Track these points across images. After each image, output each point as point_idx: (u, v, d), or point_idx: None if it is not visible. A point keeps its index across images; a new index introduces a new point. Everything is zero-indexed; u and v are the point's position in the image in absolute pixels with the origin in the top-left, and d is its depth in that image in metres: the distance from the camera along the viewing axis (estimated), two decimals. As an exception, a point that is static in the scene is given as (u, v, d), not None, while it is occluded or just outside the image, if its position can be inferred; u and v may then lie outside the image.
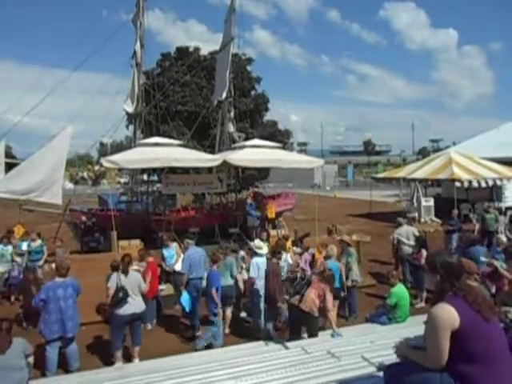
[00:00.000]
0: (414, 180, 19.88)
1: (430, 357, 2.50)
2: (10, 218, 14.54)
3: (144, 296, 6.95)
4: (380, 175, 27.02)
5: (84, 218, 13.92)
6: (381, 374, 3.08)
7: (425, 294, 8.75)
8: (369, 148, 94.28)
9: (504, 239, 8.68)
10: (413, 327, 5.46)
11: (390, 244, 11.09)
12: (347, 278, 8.02)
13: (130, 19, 18.19)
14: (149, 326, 8.06)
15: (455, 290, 2.52)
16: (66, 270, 6.38)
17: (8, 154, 20.25)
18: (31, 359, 5.28)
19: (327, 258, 7.79)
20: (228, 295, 7.84)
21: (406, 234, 9.71)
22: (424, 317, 5.53)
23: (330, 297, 6.04)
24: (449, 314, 2.42)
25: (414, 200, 19.16)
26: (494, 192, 19.72)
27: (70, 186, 34.29)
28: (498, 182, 18.28)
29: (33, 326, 7.22)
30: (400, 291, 6.75)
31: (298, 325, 6.17)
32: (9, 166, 15.42)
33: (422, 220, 16.93)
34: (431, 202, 18.41)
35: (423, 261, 8.50)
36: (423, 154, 66.90)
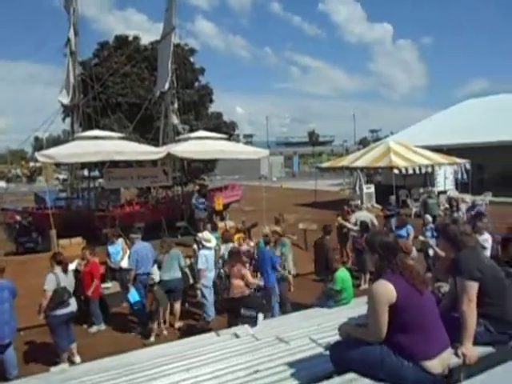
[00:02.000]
0: (355, 168, 20.74)
1: (371, 330, 2.66)
2: None
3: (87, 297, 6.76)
4: (324, 165, 27.91)
5: (18, 218, 13.08)
6: (328, 353, 3.20)
7: (368, 276, 9.19)
8: (313, 139, 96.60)
9: (430, 219, 9.46)
10: (357, 308, 5.71)
11: (335, 230, 11.48)
12: (284, 268, 8.11)
13: (62, 5, 17.14)
14: (94, 329, 7.73)
15: (392, 267, 2.68)
16: (1, 272, 5.97)
17: None
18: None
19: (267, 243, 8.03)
20: (176, 289, 7.75)
21: (364, 219, 10.09)
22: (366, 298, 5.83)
23: (246, 272, 6.78)
24: (386, 289, 2.58)
25: (357, 188, 20.02)
26: (427, 178, 21.08)
27: (1, 184, 31.99)
28: (430, 169, 19.56)
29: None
30: (343, 275, 7.01)
31: (235, 312, 6.61)
32: None
33: (364, 206, 17.71)
34: (372, 189, 19.34)
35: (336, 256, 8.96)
36: (364, 143, 69.68)
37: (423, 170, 18.94)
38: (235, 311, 6.54)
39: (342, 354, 2.80)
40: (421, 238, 8.43)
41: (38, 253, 11.23)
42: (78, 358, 6.43)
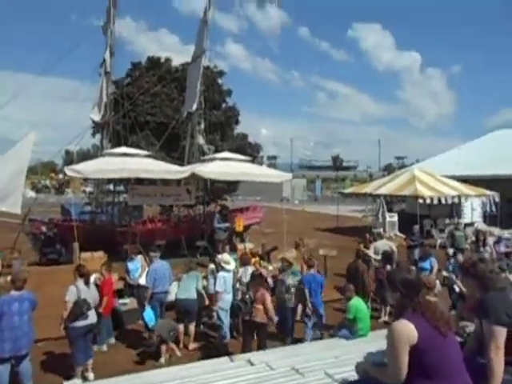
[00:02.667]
0: (379, 196, 20.45)
1: (390, 372, 2.55)
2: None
3: (99, 314, 6.77)
4: (347, 190, 27.66)
5: (44, 229, 13.40)
6: (343, 390, 3.09)
7: (388, 308, 8.92)
8: (337, 163, 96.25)
9: (451, 252, 9.22)
10: (376, 342, 5.52)
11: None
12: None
13: (100, 26, 17.94)
14: (104, 347, 7.56)
15: (414, 306, 2.59)
16: (23, 283, 6.08)
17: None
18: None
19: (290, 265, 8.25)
20: (191, 310, 7.71)
21: (383, 248, 9.89)
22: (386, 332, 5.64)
23: (267, 298, 6.65)
24: (407, 330, 2.48)
25: (380, 215, 19.70)
26: (453, 209, 20.55)
27: (31, 194, 33.05)
28: (457, 200, 19.08)
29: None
30: (357, 304, 6.85)
31: (251, 336, 6.82)
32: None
33: (387, 235, 17.38)
34: (395, 218, 18.98)
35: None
36: (389, 170, 68.96)
37: (449, 201, 18.50)
38: (249, 337, 6.63)
39: (359, 395, 2.70)
40: (444, 273, 8.16)
41: (61, 264, 11.43)
42: (91, 375, 6.41)
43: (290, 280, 7.66)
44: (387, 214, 19.02)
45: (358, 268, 8.33)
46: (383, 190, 20.06)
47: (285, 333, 7.62)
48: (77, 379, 6.16)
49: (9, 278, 8.46)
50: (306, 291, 7.74)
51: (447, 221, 19.47)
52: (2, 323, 5.67)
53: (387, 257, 9.17)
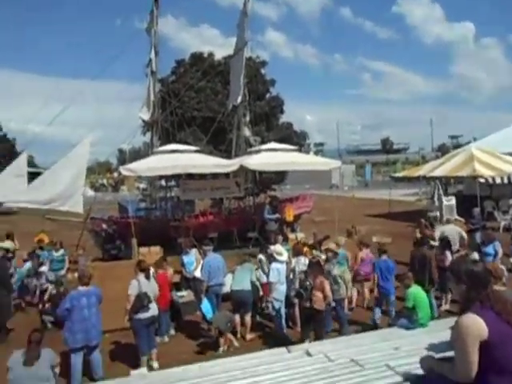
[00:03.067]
0: (434, 178, 19.52)
1: (459, 369, 2.43)
2: (33, 226, 14.90)
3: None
4: (399, 174, 26.70)
5: (105, 226, 14.13)
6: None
7: (450, 296, 8.56)
8: (387, 146, 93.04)
9: None
10: (437, 332, 5.33)
11: (411, 244, 10.87)
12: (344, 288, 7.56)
13: (144, 28, 18.43)
14: (166, 339, 7.91)
15: (482, 300, 2.44)
16: (89, 279, 6.50)
17: (30, 163, 20.78)
18: (57, 369, 5.39)
19: (337, 246, 8.70)
20: (246, 301, 7.83)
21: (451, 233, 9.46)
22: (449, 320, 5.41)
23: (327, 285, 6.70)
24: (476, 325, 2.35)
25: (435, 198, 18.80)
26: (518, 188, 19.18)
27: (90, 193, 34.95)
28: (523, 178, 17.79)
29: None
30: (416, 292, 6.62)
31: (310, 324, 6.83)
32: (31, 176, 15.80)
33: (444, 219, 16.56)
34: (453, 201, 18.00)
35: (447, 263, 8.32)
36: (443, 150, 65.51)
37: (513, 180, 17.28)
38: (314, 323, 6.71)
39: (425, 391, 2.60)
40: None
41: (121, 259, 12.00)
42: (156, 364, 6.73)
43: (336, 270, 7.53)
44: (444, 197, 18.10)
45: (424, 255, 7.89)
46: (438, 172, 19.09)
47: (339, 324, 7.54)
48: (143, 368, 6.48)
49: (76, 274, 9.08)
50: (376, 276, 7.92)
51: (511, 201, 18.20)
52: (72, 316, 6.11)
53: (445, 243, 8.78)
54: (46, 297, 9.31)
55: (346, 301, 7.97)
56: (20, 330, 7.88)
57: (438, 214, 16.91)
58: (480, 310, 2.40)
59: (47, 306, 9.02)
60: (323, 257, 9.35)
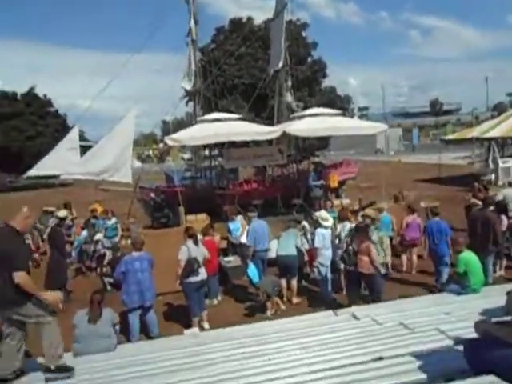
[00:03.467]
0: (489, 139, 18.38)
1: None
2: (87, 196, 15.74)
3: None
4: (449, 136, 25.36)
5: (153, 195, 14.62)
6: (460, 347, 2.95)
7: (505, 262, 8.21)
8: (436, 108, 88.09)
9: None
10: (490, 298, 5.17)
11: (462, 209, 10.43)
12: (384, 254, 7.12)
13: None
14: (215, 301, 8.24)
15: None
16: (141, 245, 6.83)
17: (81, 137, 21.68)
18: (118, 327, 5.80)
19: (379, 211, 8.78)
20: (292, 265, 7.93)
21: None
22: (504, 286, 5.21)
23: (373, 249, 6.62)
24: None
25: (490, 161, 17.77)
26: None
27: (137, 164, 36.15)
28: None
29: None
30: (468, 257, 6.38)
31: (357, 288, 6.95)
32: (83, 149, 16.53)
33: (500, 183, 15.67)
34: (510, 163, 16.94)
35: (503, 227, 7.92)
36: (499, 109, 60.91)
37: None
38: (355, 288, 6.78)
39: (480, 354, 2.54)
40: None
41: (170, 227, 12.45)
42: (206, 324, 7.06)
43: (375, 236, 7.22)
44: (500, 160, 17.05)
45: (489, 218, 7.46)
46: (494, 133, 17.94)
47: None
48: (195, 328, 6.82)
49: (129, 240, 9.56)
50: (428, 240, 7.86)
51: None
52: (128, 279, 6.50)
53: (502, 207, 8.33)
54: (105, 261, 9.92)
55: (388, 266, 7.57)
56: (81, 291, 8.48)
57: (492, 177, 16.03)
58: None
59: (105, 269, 9.63)
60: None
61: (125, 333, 6.53)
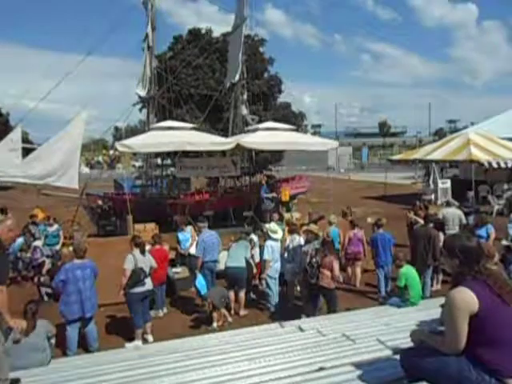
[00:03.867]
0: (430, 161, 19.54)
1: (448, 341, 2.48)
2: (29, 202, 14.86)
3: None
4: (396, 157, 26.65)
5: (100, 202, 14.12)
6: (397, 357, 3.07)
7: (441, 277, 8.69)
8: (384, 129, 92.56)
9: None
10: (428, 310, 5.43)
11: (405, 226, 10.96)
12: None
13: (141, 1, 17.97)
14: (160, 313, 8.01)
15: (474, 274, 2.47)
16: (84, 252, 6.52)
17: (25, 139, 20.52)
18: (53, 340, 5.46)
19: (330, 224, 9.15)
20: (241, 277, 7.91)
21: (452, 216, 9.57)
22: (440, 299, 5.49)
23: (336, 265, 6.82)
24: (468, 298, 2.39)
25: (431, 182, 18.89)
26: (513, 173, 19.25)
27: (86, 170, 34.80)
28: (518, 163, 17.81)
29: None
30: (408, 272, 6.72)
31: (315, 300, 6.99)
32: (26, 152, 15.63)
33: (439, 202, 16.67)
34: (448, 184, 18.11)
35: (440, 244, 8.40)
36: (440, 135, 65.28)
37: (509, 165, 17.31)
38: (315, 301, 6.92)
39: (415, 362, 2.65)
40: (504, 242, 7.73)
41: (117, 236, 12.02)
42: (150, 337, 6.84)
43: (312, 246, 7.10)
44: (439, 181, 18.17)
45: (430, 234, 7.97)
46: (435, 156, 19.11)
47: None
48: (137, 341, 6.58)
49: (71, 248, 9.11)
50: (373, 251, 8.34)
51: (506, 186, 18.30)
52: (67, 288, 6.16)
53: (440, 224, 8.84)
54: (43, 270, 9.36)
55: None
56: (15, 302, 7.89)
57: (432, 196, 17.02)
58: (472, 284, 2.43)
59: (43, 279, 9.09)
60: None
61: (61, 346, 6.17)
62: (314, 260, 6.83)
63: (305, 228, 8.50)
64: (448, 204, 10.74)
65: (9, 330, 3.81)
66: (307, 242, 7.46)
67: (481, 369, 2.37)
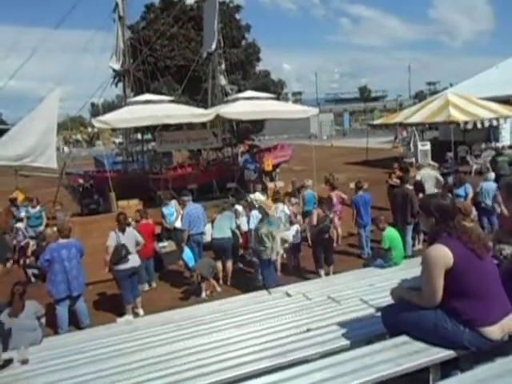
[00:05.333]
0: (410, 124, 19.70)
1: (425, 295, 2.60)
2: (6, 184, 14.53)
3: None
4: (376, 122, 26.81)
5: (81, 181, 13.87)
6: (379, 314, 3.20)
7: (422, 237, 8.94)
8: (364, 94, 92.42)
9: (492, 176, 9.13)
10: (410, 269, 5.61)
11: (386, 189, 11.14)
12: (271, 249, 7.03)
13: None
14: (146, 287, 8.07)
15: (449, 231, 2.56)
16: (68, 231, 6.50)
17: (-3, 119, 19.86)
18: (43, 320, 5.49)
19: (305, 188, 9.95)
20: (227, 247, 8.00)
21: (428, 177, 9.77)
22: (421, 259, 5.68)
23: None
24: (442, 253, 2.49)
25: (411, 145, 19.11)
26: (491, 132, 19.60)
27: (65, 149, 33.98)
28: (495, 122, 18.11)
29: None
30: (391, 234, 6.90)
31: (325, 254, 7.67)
32: (0, 133, 15.14)
33: (428, 163, 16.90)
34: (428, 146, 18.34)
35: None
36: (420, 97, 65.47)
37: (486, 124, 17.57)
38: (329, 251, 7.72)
39: (395, 317, 2.77)
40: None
41: (100, 214, 11.92)
42: (141, 311, 6.95)
43: (264, 229, 7.03)
44: (419, 143, 18.38)
45: (406, 193, 8.27)
46: (414, 119, 19.23)
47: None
48: (128, 315, 6.67)
49: (55, 228, 9.03)
50: (355, 211, 8.76)
51: (483, 145, 18.66)
52: (53, 268, 6.16)
53: (419, 186, 9.02)
54: (28, 252, 9.30)
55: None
56: (2, 285, 7.89)
57: (413, 159, 17.25)
58: (447, 241, 2.53)
59: (29, 260, 9.04)
60: (295, 200, 9.52)
61: (53, 325, 6.22)
62: (327, 218, 7.44)
63: (257, 204, 8.50)
64: (420, 166, 11.03)
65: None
66: (262, 219, 7.27)
67: (456, 320, 2.50)
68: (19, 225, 9.92)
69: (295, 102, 55.90)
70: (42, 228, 10.21)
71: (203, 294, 7.42)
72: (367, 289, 4.86)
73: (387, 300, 3.67)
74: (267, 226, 7.08)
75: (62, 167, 13.08)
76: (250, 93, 14.51)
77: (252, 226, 7.81)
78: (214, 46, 16.57)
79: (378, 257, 7.21)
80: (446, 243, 2.51)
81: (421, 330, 2.62)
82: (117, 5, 16.52)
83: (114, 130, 22.02)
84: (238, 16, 27.63)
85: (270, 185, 12.77)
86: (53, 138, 12.67)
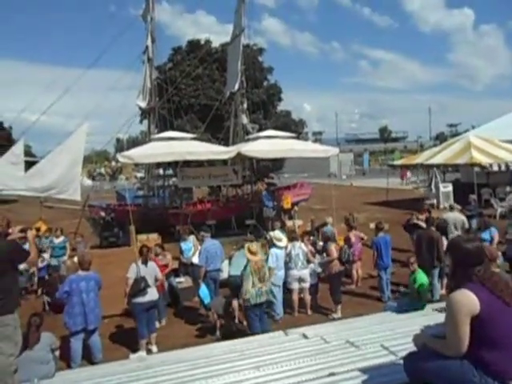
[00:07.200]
0: (431, 166, 19.55)
1: (450, 344, 2.48)
2: (32, 215, 14.89)
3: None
4: (397, 162, 26.67)
5: (103, 214, 14.13)
6: (401, 362, 3.06)
7: (446, 281, 8.64)
8: (385, 135, 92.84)
9: None
10: (433, 315, 5.41)
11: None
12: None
13: (140, 14, 18.22)
14: (157, 324, 7.76)
15: (476, 276, 2.48)
16: (89, 264, 6.54)
17: (27, 152, 20.69)
18: (57, 353, 5.46)
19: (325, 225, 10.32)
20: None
21: (454, 220, 9.60)
22: (444, 304, 5.47)
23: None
24: (468, 300, 2.40)
25: (433, 186, 18.89)
26: (515, 175, 19.22)
27: (88, 182, 34.90)
28: (520, 165, 17.81)
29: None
30: (421, 276, 6.71)
31: None
32: (28, 165, 15.72)
33: (441, 206, 16.65)
34: (450, 188, 18.09)
35: (444, 248, 8.39)
36: (441, 139, 65.34)
37: (511, 167, 17.29)
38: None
39: (418, 366, 2.65)
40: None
41: (119, 247, 12.03)
42: (154, 348, 6.81)
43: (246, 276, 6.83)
44: (441, 185, 18.17)
45: (431, 236, 8.04)
46: (436, 160, 19.10)
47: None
48: (142, 352, 6.56)
49: (75, 259, 9.12)
50: (376, 253, 8.54)
51: (508, 189, 18.26)
52: (72, 300, 6.16)
53: (441, 229, 8.83)
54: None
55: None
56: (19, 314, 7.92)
57: (435, 201, 17.01)
58: (473, 286, 2.44)
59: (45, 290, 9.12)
60: (320, 243, 9.44)
61: (66, 358, 6.16)
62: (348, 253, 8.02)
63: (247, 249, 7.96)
64: (451, 208, 10.74)
65: None
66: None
67: (484, 371, 2.37)
68: (44, 255, 10.06)
69: (315, 141, 56.40)
70: (65, 258, 10.33)
71: (218, 333, 7.27)
72: (388, 334, 4.68)
73: (409, 346, 3.52)
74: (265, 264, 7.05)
75: (85, 199, 13.40)
76: (270, 132, 14.80)
77: (271, 264, 7.70)
78: (236, 86, 17.14)
79: (398, 300, 6.98)
80: (472, 289, 2.43)
81: (446, 381, 2.49)
82: (147, 47, 17.43)
83: (136, 164, 22.62)
84: (260, 58, 28.64)
85: (289, 223, 12.72)
86: (78, 171, 13.10)
